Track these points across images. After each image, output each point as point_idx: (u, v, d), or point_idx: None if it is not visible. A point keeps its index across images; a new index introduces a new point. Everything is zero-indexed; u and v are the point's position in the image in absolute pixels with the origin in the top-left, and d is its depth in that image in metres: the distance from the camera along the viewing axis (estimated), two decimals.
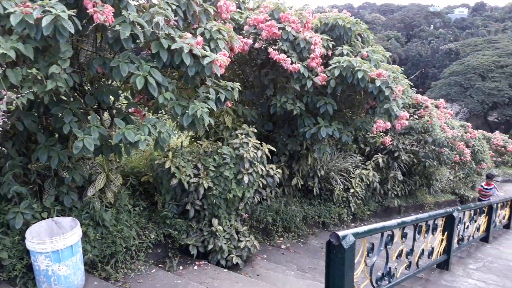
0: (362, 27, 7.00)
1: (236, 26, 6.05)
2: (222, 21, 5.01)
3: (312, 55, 5.86)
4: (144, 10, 4.11)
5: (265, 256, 6.18)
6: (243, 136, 5.71)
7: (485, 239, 9.05)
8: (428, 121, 10.14)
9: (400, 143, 9.96)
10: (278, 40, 5.79)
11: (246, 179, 5.38)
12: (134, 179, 5.44)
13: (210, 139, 6.18)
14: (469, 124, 16.82)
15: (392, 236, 4.62)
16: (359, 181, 9.15)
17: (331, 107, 6.16)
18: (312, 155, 7.61)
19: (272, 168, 5.91)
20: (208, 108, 4.30)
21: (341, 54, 6.25)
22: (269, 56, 5.74)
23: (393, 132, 10.29)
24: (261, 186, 5.81)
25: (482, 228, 8.85)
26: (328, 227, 8.18)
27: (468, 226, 7.73)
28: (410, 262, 5.29)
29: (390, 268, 4.69)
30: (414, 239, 5.28)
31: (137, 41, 3.81)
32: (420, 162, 10.94)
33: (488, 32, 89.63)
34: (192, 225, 5.42)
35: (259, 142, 5.75)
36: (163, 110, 4.94)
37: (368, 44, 7.14)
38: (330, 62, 6.12)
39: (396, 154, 9.84)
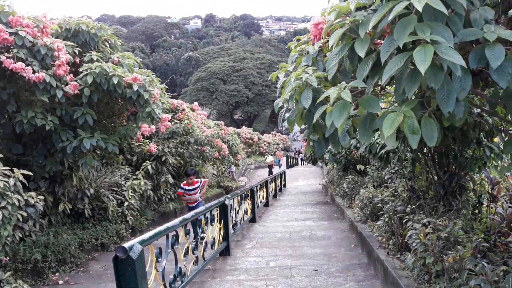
0: (108, 32, 6.75)
1: None
2: None
3: (57, 62, 5.28)
4: None
5: None
6: None
7: (253, 219, 10.17)
8: (188, 123, 10.63)
9: (166, 147, 10.14)
10: (12, 47, 4.98)
11: None
12: None
13: None
14: (222, 122, 18.59)
15: (177, 236, 4.62)
16: (132, 192, 8.86)
17: (91, 117, 5.71)
18: (77, 174, 6.92)
19: (31, 196, 5.07)
20: None
21: (91, 61, 5.86)
22: (3, 66, 4.87)
23: (157, 138, 10.38)
24: (21, 219, 4.90)
25: (249, 210, 9.90)
26: (108, 247, 7.63)
27: (238, 211, 8.52)
28: (197, 257, 5.42)
29: (180, 268, 4.68)
30: (196, 234, 5.43)
31: None
32: (187, 162, 11.42)
33: (221, 40, 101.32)
34: None
35: (8, 168, 4.83)
36: None
37: (117, 50, 6.93)
38: (81, 69, 5.66)
39: (163, 159, 9.96)
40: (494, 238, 4.36)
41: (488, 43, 1.80)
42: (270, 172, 24.79)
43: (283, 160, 36.46)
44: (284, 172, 21.46)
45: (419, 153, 5.70)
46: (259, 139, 33.99)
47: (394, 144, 2.01)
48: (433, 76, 1.76)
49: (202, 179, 8.45)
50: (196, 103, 14.07)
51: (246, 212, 9.39)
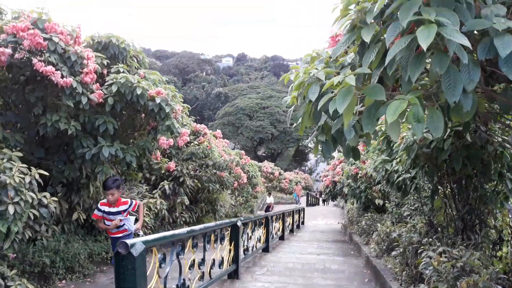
0: (137, 48, 7.00)
1: None
2: None
3: (85, 70, 5.48)
4: None
5: None
6: (5, 161, 4.81)
7: (266, 249, 9.97)
8: (207, 146, 10.73)
9: (185, 168, 10.20)
10: (45, 51, 5.22)
11: (11, 209, 4.49)
12: None
13: None
14: (243, 152, 18.66)
15: (183, 246, 4.56)
16: (147, 210, 8.88)
17: (112, 126, 5.84)
18: (94, 183, 7.00)
19: (45, 197, 5.13)
20: None
21: (118, 72, 6.06)
22: (34, 68, 5.09)
23: (177, 159, 10.47)
24: (32, 218, 4.95)
25: (263, 239, 9.72)
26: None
27: (251, 237, 8.38)
28: (203, 273, 5.31)
29: (184, 280, 4.59)
30: (204, 249, 5.35)
31: None
32: (205, 188, 11.42)
33: (250, 79, 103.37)
34: None
35: (26, 166, 4.94)
36: None
37: (144, 67, 7.17)
38: (107, 79, 5.86)
39: (181, 180, 10.00)
40: None
41: (498, 33, 1.77)
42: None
43: (303, 199, 36.00)
44: (303, 209, 21.14)
45: (437, 185, 5.54)
46: (280, 174, 33.82)
47: (397, 136, 1.97)
48: (438, 60, 1.74)
49: (133, 201, 5.68)
50: (219, 131, 14.23)
51: (259, 240, 9.22)
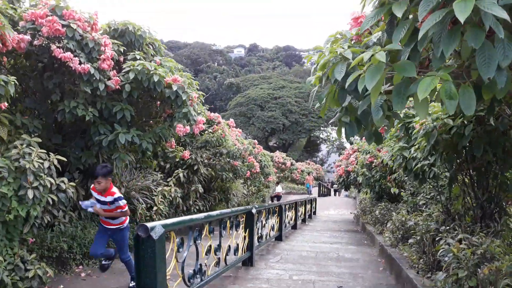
0: (153, 36, 6.99)
1: (11, 23, 5.22)
2: None
3: (103, 57, 5.49)
4: None
5: (62, 286, 5.33)
6: (24, 146, 4.86)
7: (279, 238, 9.99)
8: (221, 134, 10.74)
9: (199, 156, 10.22)
10: (63, 38, 5.23)
11: (30, 194, 4.55)
12: None
13: None
14: (256, 141, 18.64)
15: (200, 232, 4.58)
16: (161, 198, 8.91)
17: (129, 113, 5.86)
18: None
19: (63, 182, 5.18)
20: None
21: (134, 59, 6.06)
22: (53, 55, 5.12)
23: (191, 147, 10.50)
24: (50, 203, 5.01)
25: (276, 227, 9.73)
26: (132, 249, 7.65)
27: (264, 225, 8.39)
28: (219, 259, 5.34)
29: (201, 265, 4.61)
30: (220, 235, 5.37)
31: None
32: (218, 176, 11.45)
33: (262, 69, 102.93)
34: None
35: (45, 152, 4.98)
36: None
37: (160, 54, 7.16)
38: (124, 66, 5.86)
39: (195, 168, 10.03)
40: None
41: None
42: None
43: (315, 190, 35.94)
44: (315, 199, 21.11)
45: (456, 172, 5.45)
46: (292, 164, 33.79)
47: (425, 114, 1.93)
48: (473, 35, 1.69)
49: (122, 200, 4.93)
50: (232, 120, 14.23)
51: (272, 228, 9.23)
